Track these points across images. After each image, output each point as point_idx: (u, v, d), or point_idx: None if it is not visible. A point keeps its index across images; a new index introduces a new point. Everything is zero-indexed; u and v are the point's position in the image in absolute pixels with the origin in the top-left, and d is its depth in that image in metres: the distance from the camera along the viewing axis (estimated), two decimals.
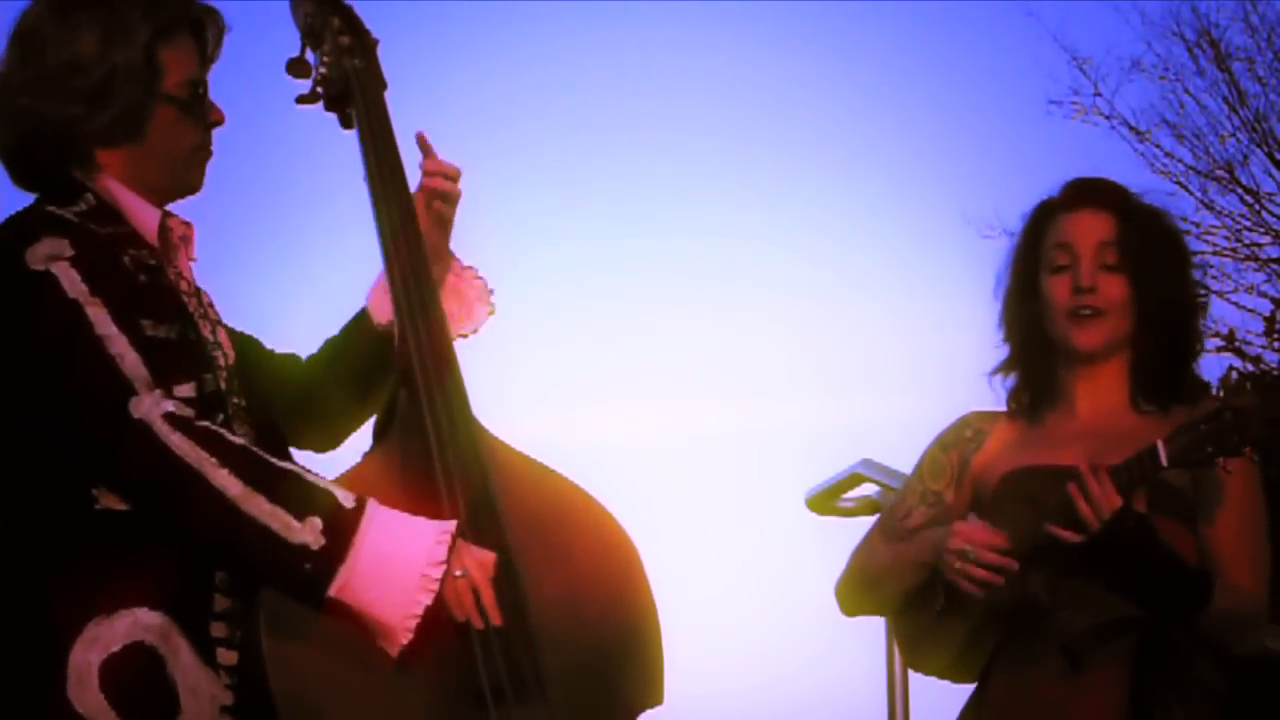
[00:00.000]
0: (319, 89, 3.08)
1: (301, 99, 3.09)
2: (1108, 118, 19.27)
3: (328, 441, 3.14)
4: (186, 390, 2.76)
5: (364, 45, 3.11)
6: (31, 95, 2.83)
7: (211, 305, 2.96)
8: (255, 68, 3.14)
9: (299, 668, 2.74)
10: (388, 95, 3.11)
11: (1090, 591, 3.31)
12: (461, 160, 3.12)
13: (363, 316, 3.12)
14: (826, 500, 4.77)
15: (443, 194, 3.08)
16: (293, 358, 3.13)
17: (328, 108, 3.10)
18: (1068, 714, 3.31)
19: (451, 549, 2.71)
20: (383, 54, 3.12)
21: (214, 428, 2.70)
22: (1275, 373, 16.99)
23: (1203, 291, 3.60)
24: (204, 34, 2.93)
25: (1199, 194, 18.98)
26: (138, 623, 2.70)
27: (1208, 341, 3.64)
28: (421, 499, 2.81)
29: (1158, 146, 19.23)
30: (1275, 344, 17.60)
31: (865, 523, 3.71)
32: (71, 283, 2.71)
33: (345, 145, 3.08)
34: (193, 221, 2.96)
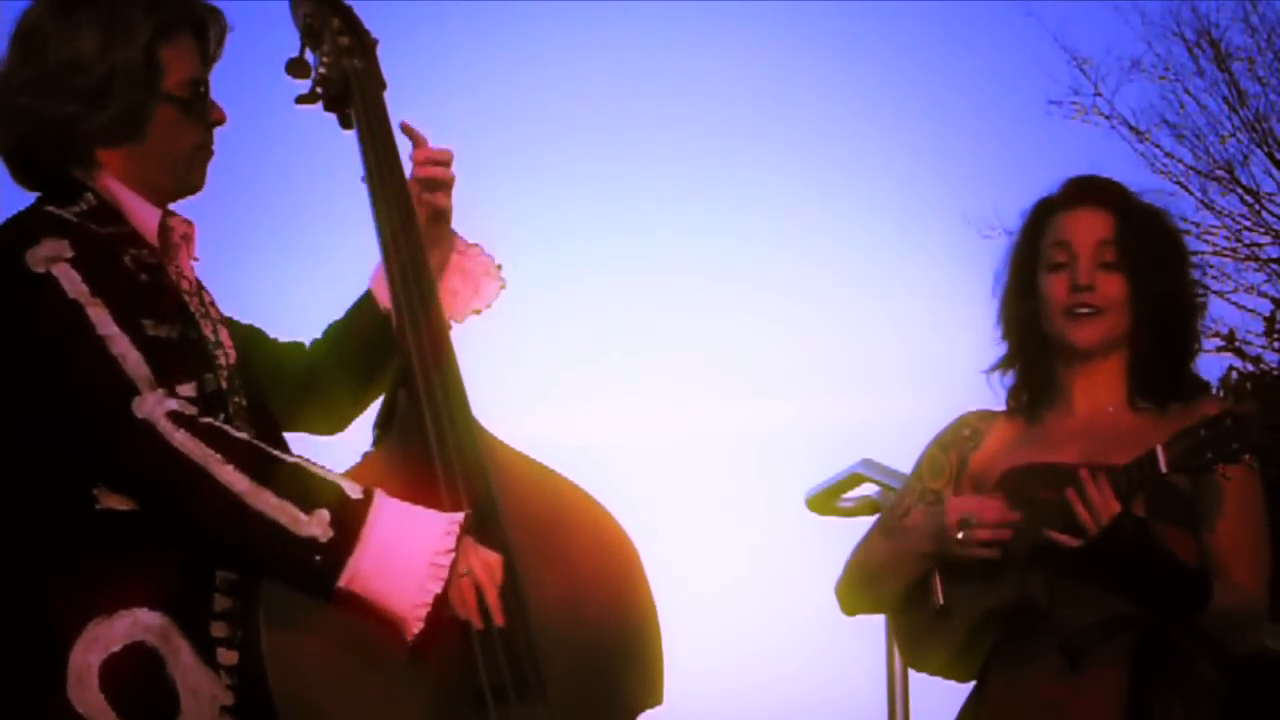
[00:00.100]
0: (318, 89, 3.08)
1: (301, 99, 3.09)
2: (1108, 118, 19.29)
3: (333, 424, 3.16)
4: (188, 390, 2.76)
5: (363, 45, 3.11)
6: (32, 94, 2.83)
7: (213, 304, 2.95)
8: (255, 68, 3.14)
9: (298, 667, 2.74)
10: (387, 96, 3.11)
11: (1089, 592, 3.31)
12: (460, 160, 3.13)
13: (366, 298, 3.14)
14: (826, 500, 4.77)
15: (436, 182, 3.09)
16: (297, 344, 3.15)
17: (327, 108, 3.10)
18: (1066, 713, 3.32)
19: (459, 540, 2.71)
20: (382, 54, 3.12)
21: (218, 424, 2.71)
22: (1275, 373, 16.99)
23: (1201, 291, 3.61)
24: (206, 33, 2.93)
25: (1199, 194, 19.00)
26: (138, 623, 2.70)
27: (1207, 341, 3.66)
28: (422, 499, 2.80)
29: (1158, 146, 19.26)
30: (1275, 344, 17.60)
31: (865, 523, 3.71)
32: (72, 284, 2.71)
33: (345, 145, 3.09)
34: (194, 220, 2.96)
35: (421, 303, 2.99)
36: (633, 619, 3.01)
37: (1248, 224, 19.08)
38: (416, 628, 2.68)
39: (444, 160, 3.10)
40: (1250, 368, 16.85)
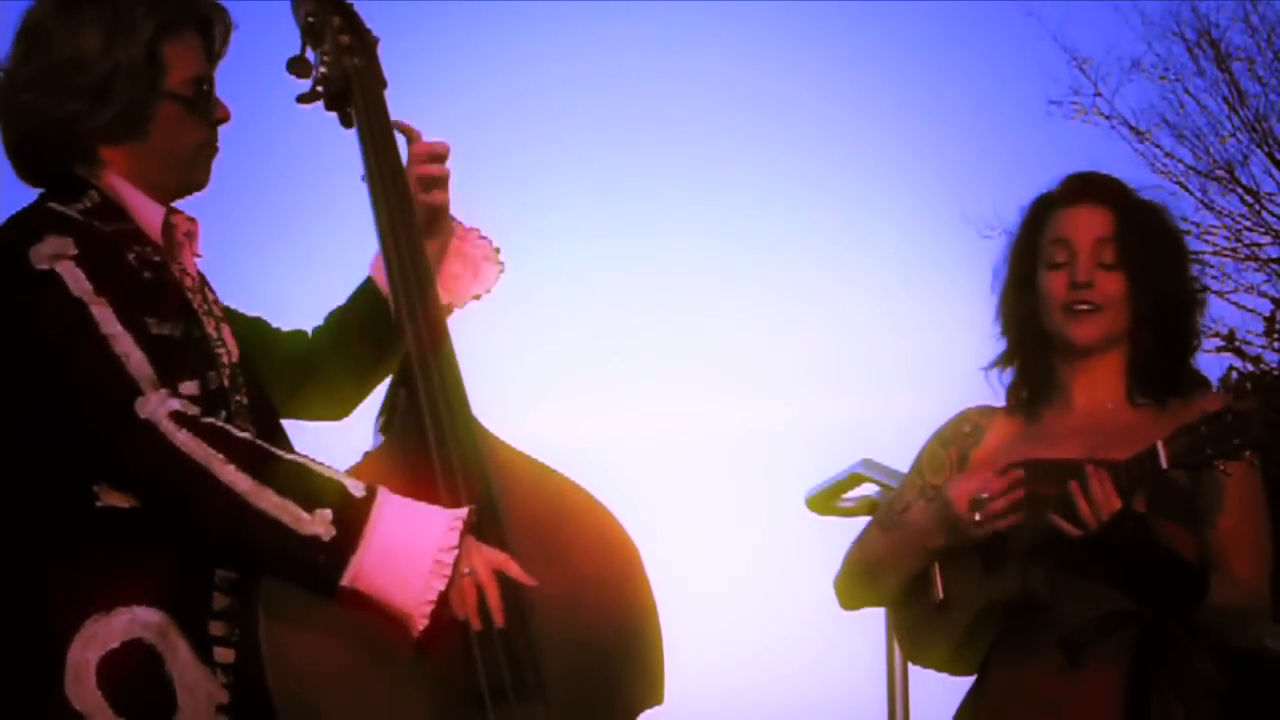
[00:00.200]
0: (319, 88, 3.08)
1: (302, 98, 3.09)
2: (1108, 118, 19.29)
3: (335, 410, 3.16)
4: (191, 388, 2.75)
5: (364, 44, 3.11)
6: (35, 92, 2.82)
7: (216, 301, 2.95)
8: (256, 66, 3.14)
9: (297, 666, 2.73)
10: (388, 94, 3.11)
11: (1089, 586, 3.31)
12: (462, 158, 3.13)
13: (367, 284, 3.14)
14: (826, 500, 4.77)
15: (432, 178, 3.09)
16: (298, 332, 3.16)
17: (328, 107, 3.10)
18: (1065, 708, 3.32)
19: (463, 536, 2.70)
20: (383, 53, 3.12)
21: (220, 424, 2.70)
22: (1275, 373, 16.99)
23: (1201, 288, 3.61)
24: (211, 31, 2.93)
25: (1199, 194, 19.00)
26: (136, 620, 2.70)
27: (1207, 341, 3.66)
28: (422, 498, 2.79)
29: (1158, 146, 19.26)
30: (1275, 344, 17.61)
31: (865, 523, 3.71)
32: (76, 281, 2.71)
33: (345, 144, 3.09)
34: (197, 218, 2.96)
35: (421, 302, 2.99)
36: (633, 619, 3.01)
37: (1248, 224, 19.09)
38: (422, 624, 2.67)
39: (440, 155, 3.10)
40: (1250, 368, 16.86)
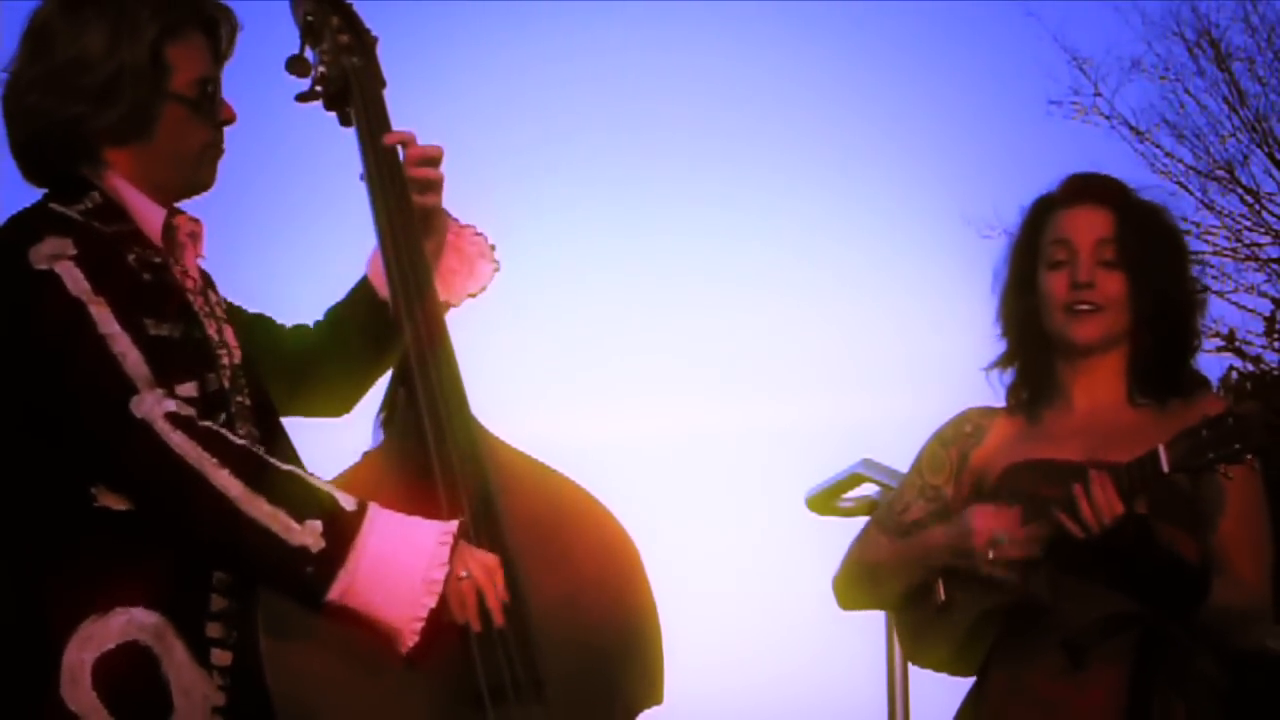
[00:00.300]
0: (318, 87, 3.08)
1: (301, 97, 3.09)
2: (1108, 118, 19.30)
3: (336, 406, 3.17)
4: (189, 390, 2.75)
5: (363, 43, 3.11)
6: (40, 93, 2.82)
7: (220, 303, 2.95)
8: (255, 66, 3.13)
9: (297, 668, 2.73)
10: (386, 94, 3.11)
11: (1090, 588, 3.31)
12: (461, 158, 3.13)
13: (364, 284, 3.14)
14: (826, 500, 4.77)
15: (427, 182, 3.09)
16: (300, 328, 3.16)
17: (327, 106, 3.10)
18: (1066, 710, 3.32)
19: (454, 550, 2.70)
20: (382, 52, 3.12)
21: (215, 428, 2.70)
22: (1275, 373, 16.99)
23: (1201, 288, 3.61)
24: (216, 32, 2.92)
25: (1199, 194, 19.01)
26: (132, 621, 2.70)
27: (1208, 341, 3.65)
28: (421, 499, 2.80)
29: (1158, 146, 19.27)
30: (1275, 344, 17.61)
31: (865, 523, 3.71)
32: (74, 281, 2.70)
33: (344, 143, 3.09)
34: (201, 219, 2.96)
35: (419, 301, 2.99)
36: (633, 619, 3.01)
37: (1248, 224, 19.10)
38: (411, 641, 2.68)
39: (434, 159, 3.09)
40: (1250, 368, 16.86)
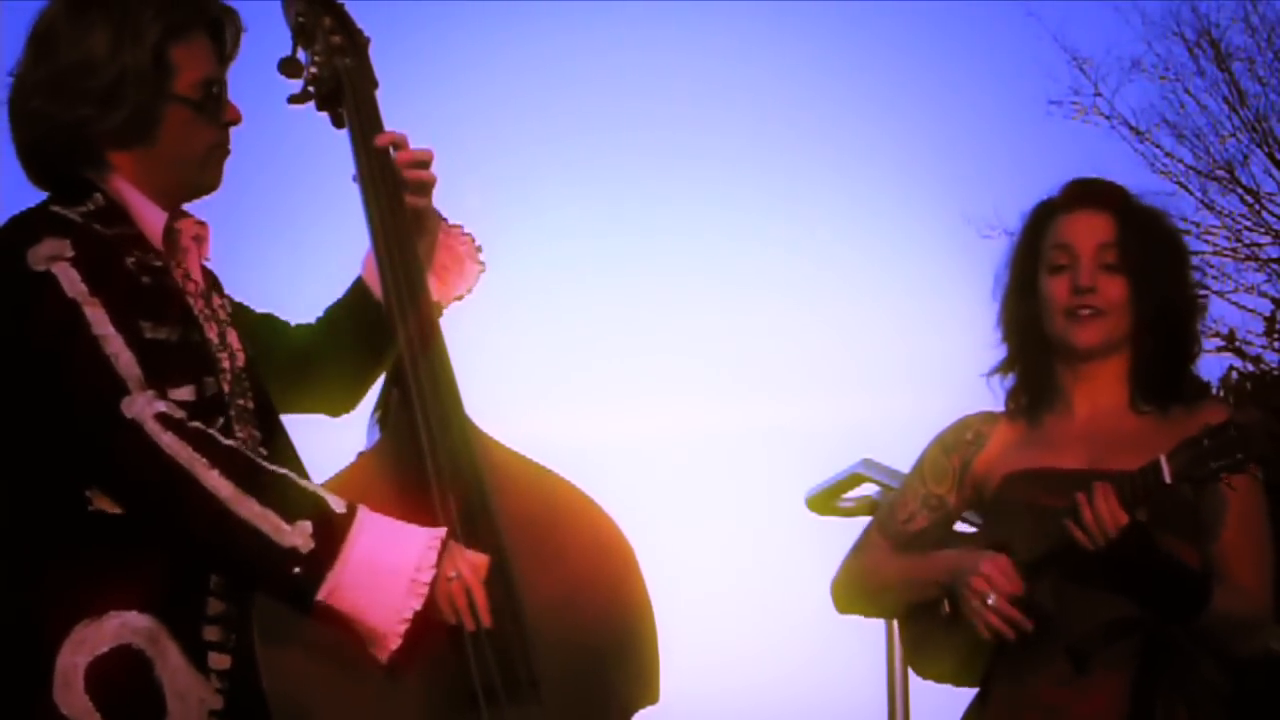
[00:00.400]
0: (310, 88, 3.09)
1: (293, 98, 3.09)
2: (1108, 118, 19.31)
3: (337, 405, 3.17)
4: (185, 393, 2.75)
5: (355, 44, 3.11)
6: (44, 97, 2.82)
7: (224, 306, 2.95)
8: (247, 67, 3.12)
9: (292, 669, 2.73)
10: (379, 94, 3.11)
11: (1093, 596, 3.30)
12: (457, 158, 3.13)
13: (359, 284, 3.14)
14: (826, 500, 4.76)
15: (418, 184, 3.08)
16: (302, 326, 3.16)
17: (319, 107, 3.10)
18: (1070, 716, 3.31)
19: (442, 554, 2.70)
20: (374, 53, 3.12)
21: (206, 429, 2.69)
22: (1275, 373, 17.00)
23: (1202, 293, 3.60)
24: (221, 33, 2.92)
25: (1199, 194, 19.02)
26: (126, 625, 2.69)
27: (1207, 341, 3.65)
28: (415, 500, 2.81)
29: (1158, 146, 19.28)
30: (1275, 344, 17.61)
31: (865, 523, 3.70)
32: (71, 283, 2.70)
33: (338, 144, 3.08)
34: (207, 222, 2.96)
35: (412, 302, 2.99)
36: (628, 619, 3.01)
37: (1248, 224, 19.10)
38: (395, 644, 2.68)
39: (425, 161, 3.09)
40: (1250, 368, 16.86)
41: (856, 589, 3.55)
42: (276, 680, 2.73)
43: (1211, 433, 3.19)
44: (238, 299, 3.05)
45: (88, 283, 2.71)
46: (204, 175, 2.92)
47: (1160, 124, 19.25)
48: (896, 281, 22.25)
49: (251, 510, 2.65)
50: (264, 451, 2.82)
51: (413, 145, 3.09)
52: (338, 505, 2.70)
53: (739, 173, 20.82)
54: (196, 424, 2.69)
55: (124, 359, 2.68)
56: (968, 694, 3.51)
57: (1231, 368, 15.97)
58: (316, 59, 3.08)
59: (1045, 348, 3.49)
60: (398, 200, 3.05)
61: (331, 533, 2.66)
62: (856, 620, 3.71)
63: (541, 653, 2.85)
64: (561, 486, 3.03)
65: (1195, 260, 3.65)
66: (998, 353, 3.57)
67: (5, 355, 2.73)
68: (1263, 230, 19.04)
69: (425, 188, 3.09)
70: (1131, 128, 19.29)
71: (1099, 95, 19.26)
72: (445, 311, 3.14)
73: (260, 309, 3.13)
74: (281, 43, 3.09)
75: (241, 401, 2.86)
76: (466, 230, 3.19)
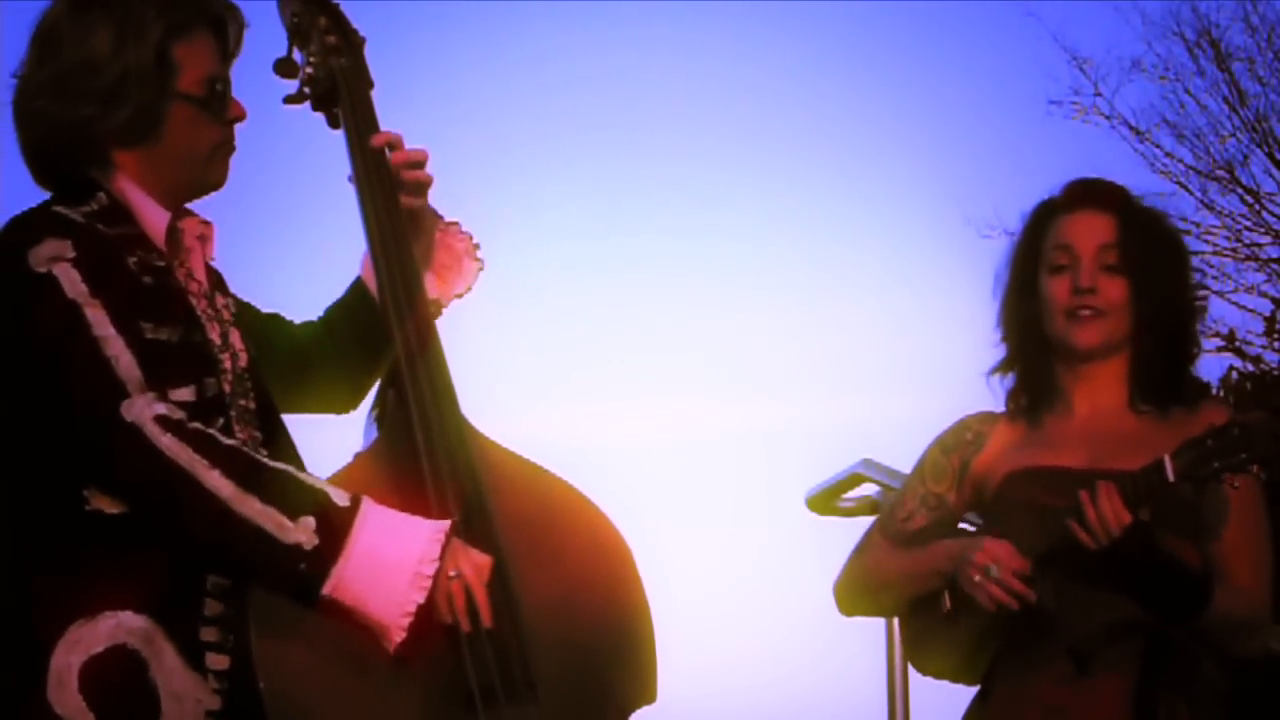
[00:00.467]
0: (306, 89, 3.08)
1: (289, 99, 3.09)
2: (1108, 118, 19.31)
3: (339, 404, 3.17)
4: (185, 394, 2.74)
5: (350, 44, 3.11)
6: (48, 97, 2.82)
7: (228, 306, 2.95)
8: (243, 67, 3.12)
9: (288, 668, 2.73)
10: (375, 94, 3.10)
11: (1095, 595, 3.30)
12: (453, 158, 3.12)
13: (358, 284, 3.14)
14: (826, 500, 4.76)
15: (413, 185, 3.08)
16: (306, 325, 3.16)
17: (315, 107, 3.10)
18: (1072, 716, 3.32)
19: (445, 547, 2.70)
20: (370, 53, 3.11)
21: (205, 430, 2.69)
22: (1275, 373, 17.00)
23: (1201, 293, 3.60)
24: (224, 30, 2.92)
25: (1199, 194, 19.02)
26: (121, 625, 2.69)
27: (1207, 341, 3.64)
28: (412, 501, 2.80)
29: (1158, 146, 19.28)
30: (1275, 344, 17.61)
31: (865, 523, 3.70)
32: (72, 284, 2.70)
33: (334, 144, 3.08)
34: (212, 221, 2.96)
35: (409, 303, 2.98)
36: (625, 619, 3.00)
37: (1248, 224, 19.11)
38: (399, 636, 2.67)
39: (420, 162, 3.08)
40: (1250, 368, 16.87)
41: (859, 588, 3.55)
42: (273, 680, 2.72)
43: (1215, 433, 3.19)
44: (245, 299, 3.05)
45: (89, 284, 2.70)
46: (209, 173, 2.92)
47: (1160, 124, 19.28)
48: (897, 281, 22.26)
49: (254, 509, 2.65)
50: (265, 452, 2.81)
51: (409, 145, 3.09)
52: (341, 499, 2.70)
53: (739, 172, 20.83)
54: (196, 425, 2.68)
55: (124, 361, 2.68)
56: (966, 696, 3.51)
57: (1231, 368, 15.99)
58: (312, 59, 3.07)
59: (1045, 348, 3.49)
60: (394, 201, 3.04)
61: (335, 527, 2.66)
62: (857, 622, 3.71)
63: (539, 653, 2.85)
64: (558, 486, 3.03)
65: (1195, 260, 3.65)
66: (998, 352, 3.57)
67: (6, 356, 2.72)
68: (1263, 230, 19.05)
69: (421, 188, 3.09)
70: (1131, 128, 19.31)
71: (1099, 95, 19.28)
72: (445, 310, 3.15)
73: (267, 309, 3.13)
74: (278, 43, 3.09)
75: (243, 402, 2.86)
76: (464, 228, 3.19)
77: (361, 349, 3.11)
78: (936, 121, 24.10)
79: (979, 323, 3.60)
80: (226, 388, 2.84)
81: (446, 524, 2.72)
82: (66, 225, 2.76)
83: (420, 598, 2.67)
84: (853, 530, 3.65)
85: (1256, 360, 17.30)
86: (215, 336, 2.86)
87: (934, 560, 3.41)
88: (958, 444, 3.54)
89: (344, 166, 3.06)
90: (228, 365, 2.86)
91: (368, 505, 2.70)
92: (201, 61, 2.88)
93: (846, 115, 22.21)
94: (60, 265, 2.71)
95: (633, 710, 2.99)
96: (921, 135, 23.54)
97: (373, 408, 3.06)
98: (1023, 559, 3.28)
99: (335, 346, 3.13)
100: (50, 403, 2.69)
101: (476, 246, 3.19)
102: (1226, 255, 18.88)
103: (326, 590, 2.65)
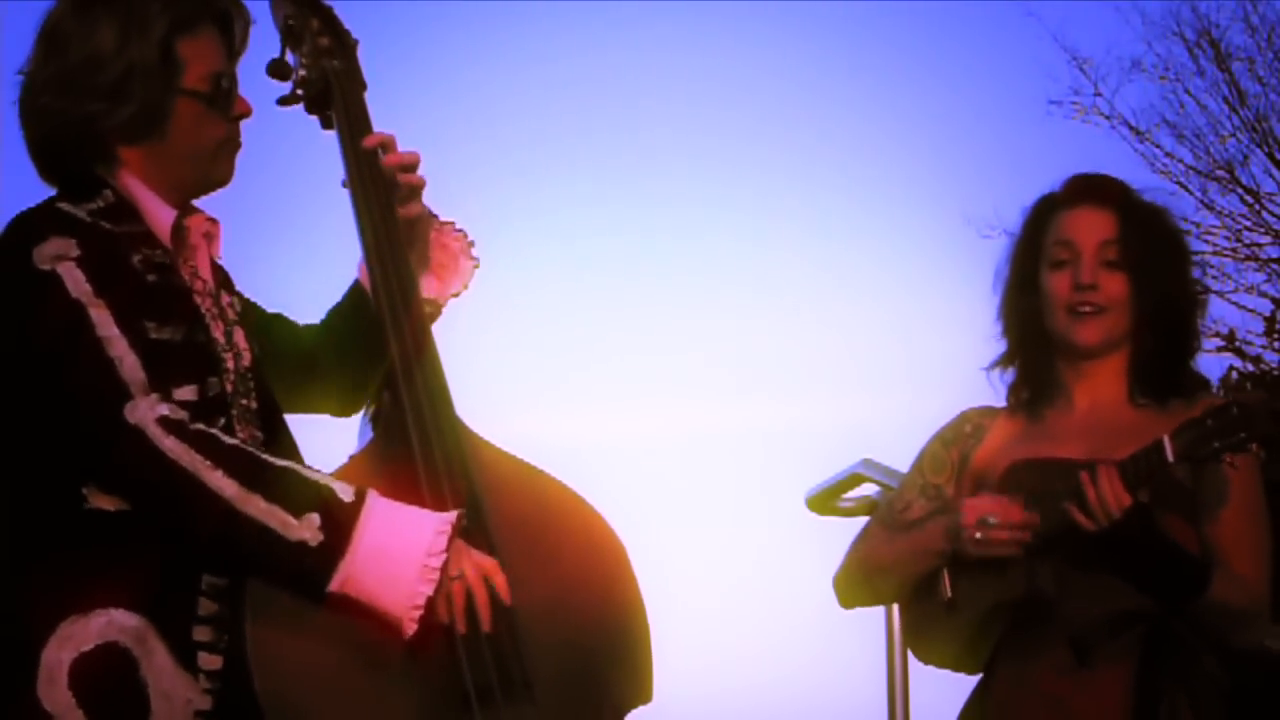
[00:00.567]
0: (299, 90, 3.08)
1: (282, 100, 3.09)
2: (1108, 118, 19.30)
3: (341, 405, 3.17)
4: (188, 393, 2.75)
5: (343, 46, 3.11)
6: (54, 93, 2.82)
7: (233, 305, 2.95)
8: (247, 66, 3.12)
9: (283, 668, 2.73)
10: (368, 96, 3.10)
11: (1096, 583, 3.31)
12: (449, 159, 3.12)
13: (356, 287, 3.14)
14: (826, 500, 4.76)
15: (406, 187, 3.08)
16: (309, 327, 3.16)
17: (308, 109, 3.10)
18: (1072, 706, 3.33)
19: (451, 540, 2.69)
20: (363, 55, 3.11)
21: (208, 430, 2.69)
22: (1275, 373, 17.00)
23: (1201, 289, 3.61)
24: (230, 26, 2.92)
25: (1199, 194, 19.01)
26: (113, 623, 2.69)
27: (1207, 341, 3.66)
28: (407, 501, 2.79)
29: (1158, 146, 19.27)
30: (1275, 344, 17.61)
31: (865, 523, 3.70)
32: (75, 283, 2.70)
33: (327, 147, 3.07)
34: (218, 219, 2.95)
35: (404, 303, 2.98)
36: (621, 618, 3.00)
37: (1248, 224, 19.10)
38: (410, 629, 2.67)
39: (412, 164, 3.08)
40: (1250, 368, 16.87)
41: (857, 577, 3.56)
42: (269, 680, 2.72)
43: (1214, 412, 3.20)
44: (251, 298, 3.05)
45: (93, 283, 2.70)
46: (215, 169, 2.92)
47: (1160, 124, 19.27)
48: (896, 281, 22.23)
49: (258, 507, 2.65)
50: (266, 451, 2.81)
51: (403, 146, 3.09)
52: (345, 493, 2.69)
53: (738, 172, 20.81)
54: (199, 426, 2.68)
55: (128, 362, 2.68)
56: (965, 691, 3.51)
57: (1231, 368, 15.98)
58: (305, 61, 3.08)
59: (1046, 343, 3.50)
60: (387, 203, 3.04)
61: (340, 523, 2.66)
62: (856, 621, 3.72)
63: (534, 653, 2.85)
64: (553, 486, 3.03)
65: (1195, 260, 3.65)
66: (998, 347, 3.58)
67: (8, 354, 2.72)
68: (1263, 230, 19.04)
69: (414, 190, 3.09)
70: (1131, 128, 19.30)
71: (1099, 95, 19.27)
72: (451, 309, 3.15)
73: (271, 309, 3.13)
74: (271, 44, 3.09)
75: (245, 401, 2.86)
76: (459, 227, 3.19)
77: (362, 351, 3.11)
78: (936, 121, 24.09)
79: (979, 323, 3.61)
80: (229, 387, 2.84)
81: (453, 515, 2.72)
82: (71, 223, 2.76)
83: (429, 590, 2.67)
84: (853, 530, 3.66)
85: (1256, 360, 17.31)
86: (219, 335, 2.86)
87: (929, 539, 3.41)
88: (958, 437, 3.56)
89: (339, 169, 3.06)
90: (230, 364, 2.86)
91: (372, 499, 2.69)
92: (207, 57, 2.88)
93: (846, 115, 22.20)
94: (64, 264, 2.71)
95: (629, 710, 2.99)
96: (921, 135, 23.52)
97: (367, 409, 3.05)
98: (1015, 508, 3.29)
99: (337, 349, 3.13)
100: (53, 403, 2.69)
101: (472, 245, 3.19)
102: (1226, 255, 18.88)
103: (334, 586, 2.65)
